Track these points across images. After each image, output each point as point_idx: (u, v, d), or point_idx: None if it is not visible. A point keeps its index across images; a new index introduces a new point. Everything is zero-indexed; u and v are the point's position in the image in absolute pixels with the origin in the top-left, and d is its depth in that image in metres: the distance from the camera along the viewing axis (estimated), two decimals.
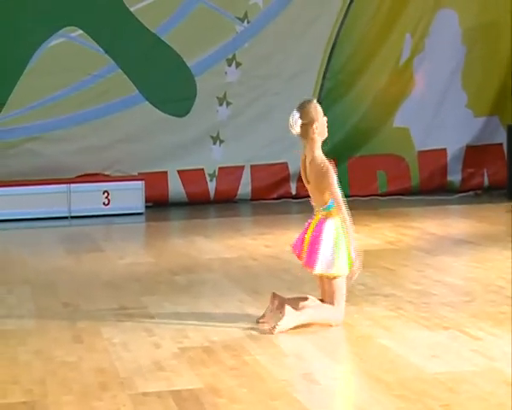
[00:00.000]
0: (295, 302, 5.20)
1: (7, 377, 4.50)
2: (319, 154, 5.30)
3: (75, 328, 5.33)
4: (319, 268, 5.14)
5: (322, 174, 5.24)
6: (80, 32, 10.55)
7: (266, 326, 5.15)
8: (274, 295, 5.25)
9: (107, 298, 6.08)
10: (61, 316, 5.64)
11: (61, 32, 10.53)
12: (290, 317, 5.06)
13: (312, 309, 5.18)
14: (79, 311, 5.77)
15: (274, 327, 5.05)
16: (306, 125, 5.25)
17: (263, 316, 5.27)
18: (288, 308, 5.07)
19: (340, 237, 5.15)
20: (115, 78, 10.62)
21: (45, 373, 4.53)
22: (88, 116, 10.66)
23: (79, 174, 10.56)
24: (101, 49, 10.56)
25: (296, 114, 5.25)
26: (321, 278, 5.24)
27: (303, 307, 5.16)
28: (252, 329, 5.18)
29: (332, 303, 5.18)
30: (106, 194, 10.25)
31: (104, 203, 10.19)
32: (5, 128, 10.47)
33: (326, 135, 5.38)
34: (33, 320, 5.53)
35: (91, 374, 4.49)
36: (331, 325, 5.14)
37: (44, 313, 5.72)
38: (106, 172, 10.69)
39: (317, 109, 5.29)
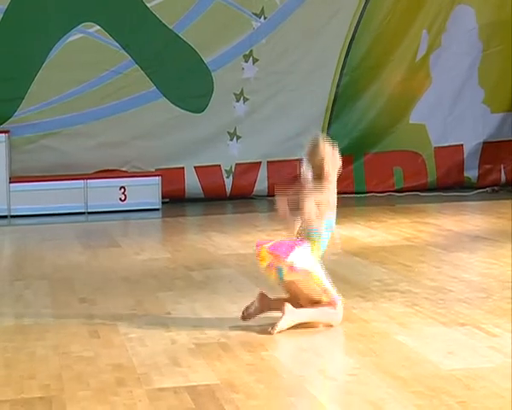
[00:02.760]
0: (281, 303, 5.09)
1: (24, 372, 4.52)
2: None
3: (92, 323, 5.35)
4: (291, 259, 5.04)
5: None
6: (98, 27, 10.58)
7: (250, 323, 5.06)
8: (262, 295, 5.16)
9: (124, 294, 6.10)
10: (78, 311, 5.66)
11: (79, 27, 10.56)
12: (289, 316, 5.00)
13: (312, 309, 5.10)
14: (96, 306, 5.79)
15: (273, 327, 4.99)
16: (318, 168, 5.12)
17: (247, 310, 5.17)
18: (287, 307, 5.01)
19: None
20: (132, 74, 10.65)
21: (62, 368, 4.55)
22: (105, 112, 10.70)
23: (97, 170, 10.60)
24: (118, 45, 10.59)
25: (305, 164, 5.17)
26: (291, 284, 5.15)
27: (301, 307, 5.11)
28: (268, 325, 5.18)
29: (320, 301, 5.10)
30: (123, 190, 10.28)
31: (121, 199, 10.22)
32: (23, 124, 10.52)
33: (339, 165, 5.18)
34: (50, 316, 5.55)
35: (108, 369, 4.50)
36: (331, 326, 5.10)
37: (61, 308, 5.74)
38: (123, 168, 10.72)
39: (323, 148, 5.13)
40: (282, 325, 5.01)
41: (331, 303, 5.11)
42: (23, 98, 10.52)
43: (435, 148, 11.23)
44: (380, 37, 11.04)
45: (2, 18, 10.42)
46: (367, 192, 11.01)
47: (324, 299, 5.10)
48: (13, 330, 5.09)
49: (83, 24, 10.57)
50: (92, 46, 10.57)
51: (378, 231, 8.32)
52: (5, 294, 6.25)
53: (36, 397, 4.16)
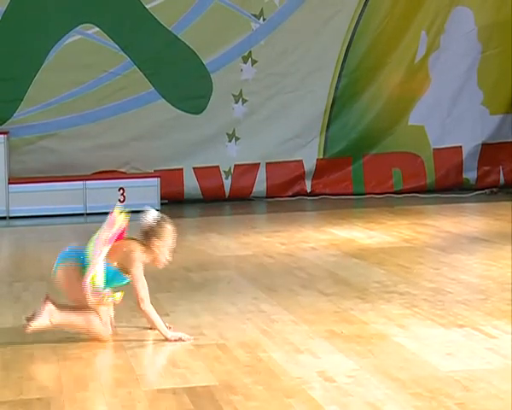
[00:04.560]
0: (66, 307, 5.00)
1: (23, 373, 4.52)
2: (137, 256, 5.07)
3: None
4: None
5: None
6: (96, 29, 10.58)
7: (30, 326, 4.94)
8: (47, 298, 5.01)
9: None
10: None
11: (77, 29, 10.56)
12: (46, 316, 4.89)
13: (76, 315, 4.96)
14: None
15: (28, 324, 4.90)
16: (154, 234, 5.08)
17: (32, 316, 4.99)
18: (47, 306, 4.90)
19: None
20: (131, 75, 10.65)
21: (61, 370, 4.55)
22: (104, 113, 10.70)
23: (95, 171, 10.60)
24: (117, 47, 10.59)
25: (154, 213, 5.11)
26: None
27: (68, 311, 4.97)
28: (266, 326, 5.19)
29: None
30: (121, 191, 10.28)
31: (120, 200, 10.22)
32: (22, 125, 10.52)
33: (164, 263, 5.17)
34: None
35: (107, 370, 4.51)
36: (99, 339, 4.97)
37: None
38: (122, 170, 10.72)
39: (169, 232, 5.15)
40: (37, 324, 4.89)
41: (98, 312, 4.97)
42: (22, 99, 10.52)
43: (434, 149, 11.24)
44: (378, 38, 11.05)
45: (1, 19, 10.42)
46: (366, 194, 11.02)
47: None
48: (11, 332, 5.08)
49: (81, 25, 10.57)
50: (91, 48, 10.57)
51: (377, 233, 8.33)
52: (4, 295, 6.24)
53: (34, 398, 4.16)
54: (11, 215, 10.10)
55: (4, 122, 10.47)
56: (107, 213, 10.53)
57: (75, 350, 4.85)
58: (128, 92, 10.67)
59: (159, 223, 5.13)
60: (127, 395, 4.14)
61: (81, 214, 10.00)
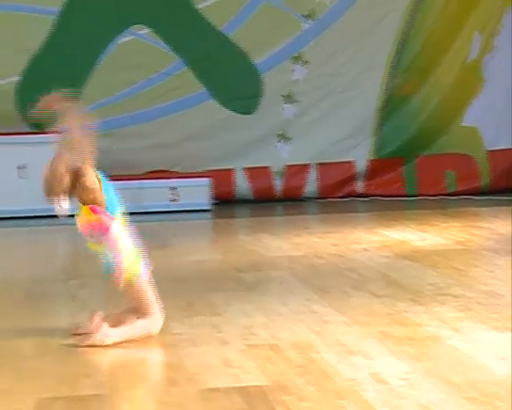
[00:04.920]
0: (115, 319, 4.99)
1: (78, 369, 4.57)
2: None
3: None
4: None
5: None
6: (148, 29, 10.67)
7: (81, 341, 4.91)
8: (93, 315, 5.00)
9: (175, 294, 6.12)
10: None
11: (129, 29, 10.66)
12: (100, 337, 4.87)
13: (124, 328, 4.93)
14: None
15: (80, 341, 4.88)
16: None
17: (77, 329, 5.01)
18: (103, 329, 4.88)
19: None
20: (182, 75, 10.71)
21: (115, 367, 4.59)
22: (155, 114, 10.78)
23: (147, 171, 10.68)
24: (168, 47, 10.66)
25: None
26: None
27: (119, 325, 4.94)
28: (319, 327, 5.18)
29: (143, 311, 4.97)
30: (173, 190, 10.34)
31: (171, 200, 10.28)
32: None
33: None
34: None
35: (160, 369, 4.54)
36: (151, 335, 4.96)
37: (115, 307, 5.78)
38: (173, 169, 10.79)
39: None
40: (90, 342, 4.86)
41: (144, 313, 4.96)
42: (76, 99, 10.62)
43: (488, 151, 11.11)
44: (431, 38, 10.96)
45: (57, 20, 10.56)
46: (418, 195, 10.93)
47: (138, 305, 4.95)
48: (67, 330, 5.14)
49: (133, 26, 10.67)
50: (143, 48, 10.66)
51: (430, 235, 8.26)
52: (60, 293, 6.32)
53: (89, 395, 4.20)
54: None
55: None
56: (158, 213, 10.57)
57: (130, 348, 4.89)
58: (179, 93, 10.74)
59: None
60: (181, 394, 4.16)
61: (133, 213, 10.06)
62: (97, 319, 4.96)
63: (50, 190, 4.87)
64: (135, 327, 4.97)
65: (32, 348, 4.92)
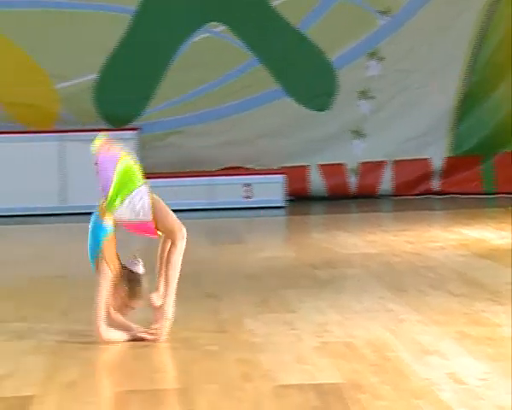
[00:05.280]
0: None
1: (154, 364, 4.61)
2: None
3: (218, 318, 5.41)
4: None
5: None
6: (223, 27, 10.71)
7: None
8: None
9: (249, 290, 6.14)
10: (204, 306, 5.73)
11: (205, 27, 10.72)
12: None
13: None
14: (222, 302, 5.84)
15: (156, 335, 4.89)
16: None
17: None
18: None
19: None
20: (256, 72, 10.73)
21: (190, 362, 4.61)
22: (229, 111, 10.83)
23: (221, 167, 10.73)
24: (242, 45, 10.69)
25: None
26: None
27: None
28: (394, 326, 5.12)
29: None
30: (247, 187, 10.36)
31: (245, 196, 10.31)
32: (151, 121, 10.76)
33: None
34: (178, 309, 5.62)
35: (234, 364, 4.54)
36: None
37: (188, 302, 5.81)
38: (247, 166, 10.82)
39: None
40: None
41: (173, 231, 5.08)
42: (151, 97, 10.74)
43: None
44: (509, 34, 10.75)
45: (133, 18, 10.69)
46: (498, 193, 10.74)
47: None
48: (144, 324, 5.18)
49: (209, 24, 10.72)
50: (217, 45, 10.72)
51: (509, 234, 8.09)
52: None
53: (164, 389, 4.23)
54: None
55: (135, 118, 10.73)
56: (232, 209, 10.58)
57: (203, 343, 4.91)
58: (253, 90, 10.77)
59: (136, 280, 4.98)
60: (254, 390, 4.16)
61: (207, 210, 10.13)
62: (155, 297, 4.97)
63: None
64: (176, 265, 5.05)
65: (96, 342, 4.93)
